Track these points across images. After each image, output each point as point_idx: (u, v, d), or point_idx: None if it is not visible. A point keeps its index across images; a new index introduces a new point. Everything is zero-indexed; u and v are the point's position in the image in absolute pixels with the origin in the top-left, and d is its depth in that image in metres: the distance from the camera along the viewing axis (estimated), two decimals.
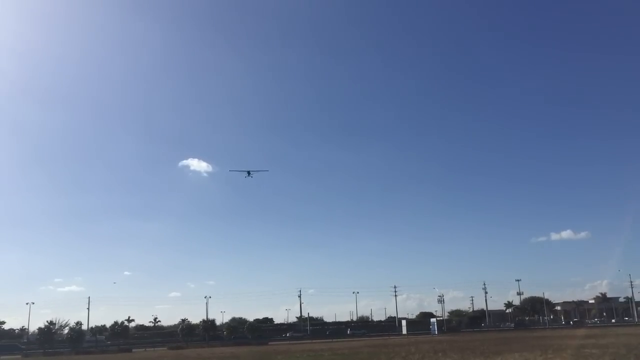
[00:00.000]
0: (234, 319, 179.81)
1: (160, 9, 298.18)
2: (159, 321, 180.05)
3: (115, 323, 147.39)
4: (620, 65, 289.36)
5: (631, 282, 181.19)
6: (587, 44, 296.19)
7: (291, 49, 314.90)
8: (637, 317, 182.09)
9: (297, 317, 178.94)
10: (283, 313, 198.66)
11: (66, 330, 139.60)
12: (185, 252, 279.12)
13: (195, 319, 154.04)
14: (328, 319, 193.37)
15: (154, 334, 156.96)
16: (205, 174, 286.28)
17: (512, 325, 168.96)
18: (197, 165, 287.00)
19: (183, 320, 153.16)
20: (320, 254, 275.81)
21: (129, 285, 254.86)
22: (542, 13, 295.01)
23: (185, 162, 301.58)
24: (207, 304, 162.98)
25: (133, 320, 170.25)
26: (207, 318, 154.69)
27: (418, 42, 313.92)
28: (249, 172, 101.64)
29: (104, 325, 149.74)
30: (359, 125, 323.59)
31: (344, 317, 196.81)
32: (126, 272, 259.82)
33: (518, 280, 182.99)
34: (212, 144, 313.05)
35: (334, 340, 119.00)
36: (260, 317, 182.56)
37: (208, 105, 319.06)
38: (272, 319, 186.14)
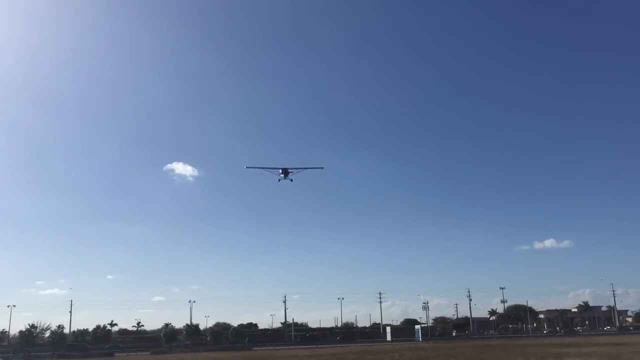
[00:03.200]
0: (218, 324, 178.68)
1: (147, 11, 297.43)
2: (142, 325, 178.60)
3: (98, 327, 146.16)
4: (603, 81, 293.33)
5: (613, 291, 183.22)
6: (572, 57, 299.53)
7: (278, 52, 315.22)
8: (619, 326, 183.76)
9: (281, 323, 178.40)
10: (267, 318, 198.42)
11: (47, 334, 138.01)
12: (169, 256, 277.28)
13: (179, 323, 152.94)
14: (313, 325, 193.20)
15: (137, 339, 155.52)
16: (190, 178, 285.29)
17: (495, 332, 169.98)
18: (182, 169, 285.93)
19: (166, 325, 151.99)
20: (305, 259, 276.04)
21: (112, 289, 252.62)
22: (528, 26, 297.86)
23: (170, 165, 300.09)
24: (191, 308, 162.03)
25: (116, 324, 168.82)
26: (190, 323, 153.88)
27: (407, 49, 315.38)
28: (285, 172, 66.26)
29: (87, 329, 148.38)
30: (346, 130, 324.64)
31: (329, 323, 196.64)
32: (109, 276, 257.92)
33: (502, 288, 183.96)
34: (197, 148, 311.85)
35: (319, 346, 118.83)
36: (245, 322, 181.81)
37: (193, 109, 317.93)
38: (256, 324, 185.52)
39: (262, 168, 68.14)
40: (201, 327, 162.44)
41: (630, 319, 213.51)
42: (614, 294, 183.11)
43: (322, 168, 70.68)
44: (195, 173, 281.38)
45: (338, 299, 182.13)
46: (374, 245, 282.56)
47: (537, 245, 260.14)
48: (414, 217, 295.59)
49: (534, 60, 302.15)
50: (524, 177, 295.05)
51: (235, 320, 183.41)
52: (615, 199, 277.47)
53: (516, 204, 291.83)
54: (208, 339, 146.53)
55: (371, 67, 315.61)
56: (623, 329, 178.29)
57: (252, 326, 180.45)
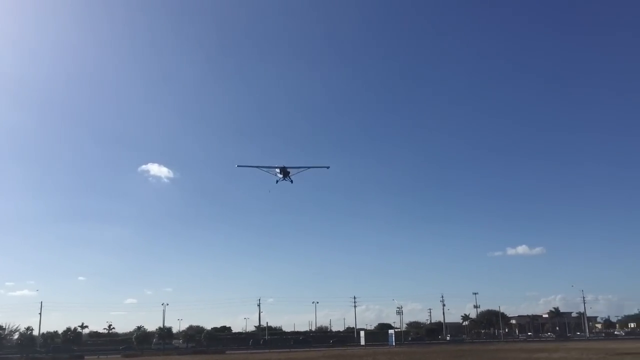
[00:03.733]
0: (191, 327, 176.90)
1: (121, 11, 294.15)
2: (114, 328, 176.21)
3: (68, 329, 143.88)
4: (575, 88, 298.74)
5: (584, 297, 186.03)
6: (552, 63, 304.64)
7: (257, 54, 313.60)
8: (589, 332, 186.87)
9: (255, 326, 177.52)
10: (242, 322, 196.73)
11: (16, 336, 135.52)
12: (143, 258, 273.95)
13: (152, 326, 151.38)
14: (287, 328, 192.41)
15: (108, 341, 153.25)
16: (165, 180, 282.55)
17: (467, 337, 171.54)
18: (158, 170, 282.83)
19: (138, 328, 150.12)
20: (280, 262, 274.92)
21: (84, 291, 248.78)
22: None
23: (145, 167, 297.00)
24: (164, 311, 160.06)
25: (87, 326, 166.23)
26: (163, 325, 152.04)
27: (385, 54, 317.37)
28: (284, 172, 59.00)
29: (56, 331, 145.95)
30: (325, 134, 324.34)
31: (303, 327, 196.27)
32: (81, 277, 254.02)
33: (475, 294, 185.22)
34: (173, 149, 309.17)
35: (292, 350, 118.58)
36: (218, 325, 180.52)
37: (170, 111, 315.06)
38: (230, 327, 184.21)
39: (257, 167, 60.65)
40: (174, 330, 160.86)
41: (599, 325, 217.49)
42: (584, 300, 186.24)
43: (328, 167, 63.12)
44: (171, 174, 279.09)
45: (312, 302, 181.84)
46: (348, 249, 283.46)
47: (510, 251, 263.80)
48: (389, 221, 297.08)
49: (514, 63, 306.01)
50: (498, 183, 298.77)
51: (208, 323, 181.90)
52: (586, 206, 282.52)
53: (490, 210, 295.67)
54: (181, 342, 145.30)
55: (349, 72, 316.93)
56: (593, 335, 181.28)
57: (225, 329, 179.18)
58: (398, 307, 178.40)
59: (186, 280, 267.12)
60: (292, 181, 60.08)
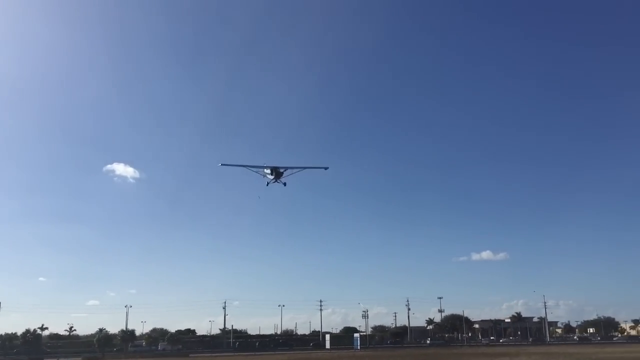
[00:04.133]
0: (155, 330, 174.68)
1: (90, 7, 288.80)
2: (75, 330, 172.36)
3: (27, 331, 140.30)
4: (537, 93, 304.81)
5: (545, 302, 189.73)
6: (520, 69, 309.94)
7: (223, 54, 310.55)
8: (549, 336, 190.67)
9: (220, 329, 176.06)
10: (206, 324, 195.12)
11: None
12: (106, 260, 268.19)
13: (114, 328, 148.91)
14: (252, 331, 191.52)
15: (69, 344, 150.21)
16: (131, 180, 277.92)
17: (431, 341, 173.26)
18: (123, 170, 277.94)
19: (100, 330, 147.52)
20: (247, 265, 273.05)
21: (44, 292, 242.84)
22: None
23: (110, 166, 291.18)
24: (127, 313, 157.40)
25: (47, 328, 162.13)
26: (126, 328, 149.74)
27: (351, 59, 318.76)
28: (276, 173, 53.39)
29: (15, 333, 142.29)
30: (291, 138, 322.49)
31: (269, 330, 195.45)
32: (41, 278, 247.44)
33: (440, 298, 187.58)
34: (140, 149, 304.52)
35: (257, 353, 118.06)
36: (183, 328, 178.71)
37: (138, 110, 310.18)
38: (194, 330, 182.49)
39: (244, 167, 54.84)
40: (137, 333, 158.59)
41: (559, 330, 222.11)
42: (545, 305, 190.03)
43: (327, 168, 57.95)
44: (137, 175, 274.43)
45: (279, 306, 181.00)
46: (315, 252, 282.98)
47: (475, 256, 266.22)
48: (356, 225, 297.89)
49: (476, 64, 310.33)
50: (464, 188, 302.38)
51: (173, 326, 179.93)
52: (548, 213, 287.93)
53: (455, 215, 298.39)
54: (144, 345, 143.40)
55: (317, 78, 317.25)
56: (553, 340, 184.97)
57: (190, 332, 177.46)
58: (364, 311, 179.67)
59: (151, 282, 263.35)
60: (285, 183, 55.33)
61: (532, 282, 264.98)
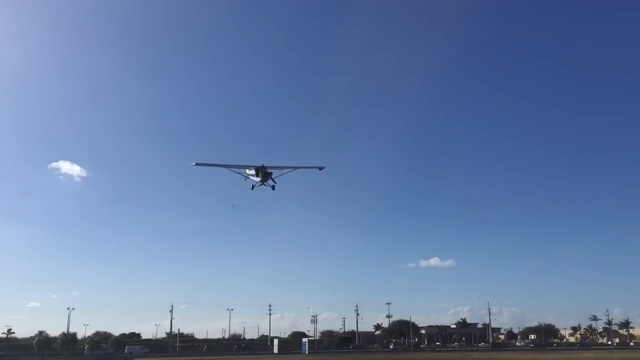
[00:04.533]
0: (97, 333, 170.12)
1: (32, 6, 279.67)
2: (13, 333, 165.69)
3: None
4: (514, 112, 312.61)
5: (489, 309, 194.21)
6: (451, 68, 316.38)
7: (180, 52, 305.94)
8: (493, 342, 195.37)
9: (167, 333, 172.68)
10: (152, 328, 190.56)
11: None
12: (49, 260, 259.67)
13: (56, 331, 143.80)
14: (200, 336, 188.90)
15: (7, 347, 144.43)
16: (77, 178, 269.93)
17: (379, 347, 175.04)
18: (69, 168, 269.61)
19: (40, 333, 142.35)
20: (195, 268, 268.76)
21: None
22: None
23: (55, 164, 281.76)
24: (69, 315, 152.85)
25: None
26: (67, 331, 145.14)
27: (311, 63, 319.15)
28: (264, 174, 47.51)
29: None
30: (241, 140, 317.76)
31: (216, 335, 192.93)
32: None
33: (388, 304, 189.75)
34: (87, 147, 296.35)
35: (204, 357, 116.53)
36: (127, 331, 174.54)
37: (86, 107, 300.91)
38: (139, 334, 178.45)
39: (223, 166, 48.33)
40: (79, 336, 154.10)
41: (502, 336, 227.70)
42: (489, 312, 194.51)
43: (322, 168, 53.03)
44: (84, 174, 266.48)
45: (227, 309, 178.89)
46: (264, 256, 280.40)
47: (423, 263, 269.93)
48: (306, 231, 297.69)
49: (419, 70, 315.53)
50: (412, 194, 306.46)
51: (117, 329, 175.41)
52: (494, 221, 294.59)
53: (405, 222, 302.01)
54: (86, 349, 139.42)
55: (270, 76, 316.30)
56: (496, 346, 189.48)
57: (134, 336, 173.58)
58: (313, 316, 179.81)
59: (95, 284, 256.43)
60: (274, 187, 49.30)
61: (478, 289, 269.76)
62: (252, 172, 48.11)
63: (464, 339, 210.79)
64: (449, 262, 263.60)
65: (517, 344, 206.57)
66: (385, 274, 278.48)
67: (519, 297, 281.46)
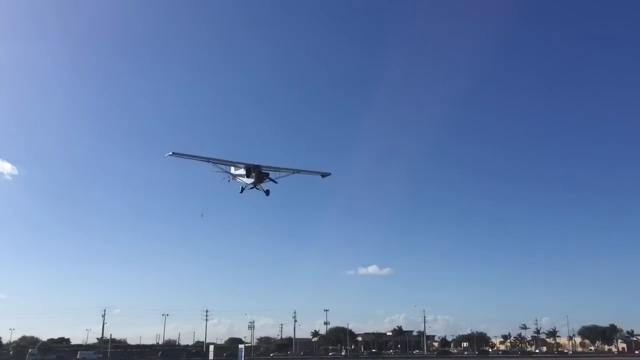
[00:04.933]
0: (24, 338, 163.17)
1: None
2: None
3: None
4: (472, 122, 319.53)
5: (424, 317, 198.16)
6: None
7: (117, 53, 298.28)
8: (427, 349, 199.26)
9: (98, 339, 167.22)
10: (82, 333, 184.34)
11: None
12: None
13: None
14: (132, 341, 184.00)
15: None
16: (8, 177, 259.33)
17: (316, 354, 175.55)
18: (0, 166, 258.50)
19: None
20: (129, 272, 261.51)
21: None
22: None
23: None
24: None
25: None
26: None
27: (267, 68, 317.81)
28: (258, 175, 41.78)
29: None
30: (178, 140, 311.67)
31: (150, 340, 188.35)
32: None
33: (326, 311, 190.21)
34: (20, 144, 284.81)
35: None
36: (56, 336, 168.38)
37: (20, 102, 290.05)
38: (69, 339, 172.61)
39: (205, 160, 41.50)
40: (4, 341, 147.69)
41: (436, 344, 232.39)
42: (424, 320, 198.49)
43: (329, 174, 46.31)
44: (15, 171, 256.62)
45: (162, 315, 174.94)
46: (203, 261, 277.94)
47: (362, 270, 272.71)
48: (246, 236, 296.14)
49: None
50: (353, 200, 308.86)
51: (45, 334, 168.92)
52: (429, 231, 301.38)
53: (345, 229, 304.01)
54: (11, 354, 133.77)
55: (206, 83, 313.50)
56: (429, 353, 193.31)
57: (63, 341, 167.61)
58: (250, 322, 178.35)
59: (22, 287, 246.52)
60: (268, 192, 43.12)
61: (414, 297, 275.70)
62: (242, 171, 42.44)
63: (399, 346, 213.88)
64: (387, 270, 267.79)
65: (450, 351, 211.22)
66: (324, 280, 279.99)
67: (454, 305, 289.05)
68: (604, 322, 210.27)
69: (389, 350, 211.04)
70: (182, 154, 41.56)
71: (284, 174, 43.62)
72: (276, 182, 43.24)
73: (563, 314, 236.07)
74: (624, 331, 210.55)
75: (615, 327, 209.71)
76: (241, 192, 43.09)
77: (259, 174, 41.38)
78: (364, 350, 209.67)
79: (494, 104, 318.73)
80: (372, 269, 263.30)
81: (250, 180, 41.78)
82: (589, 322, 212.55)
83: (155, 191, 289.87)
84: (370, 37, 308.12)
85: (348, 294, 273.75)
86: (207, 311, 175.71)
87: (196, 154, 42.51)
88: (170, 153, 40.98)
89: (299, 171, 44.57)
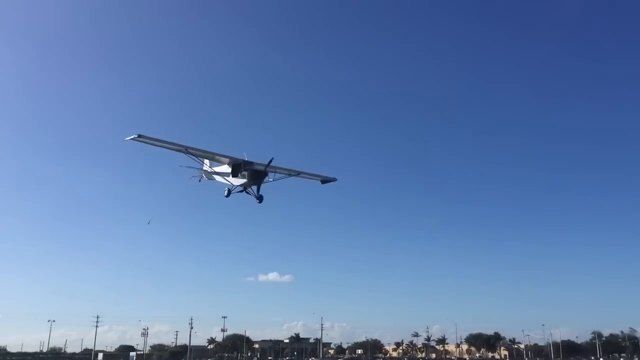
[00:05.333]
0: None
1: None
2: None
3: None
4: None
5: (322, 324, 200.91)
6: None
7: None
8: (323, 356, 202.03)
9: None
10: None
11: None
12: None
13: None
14: (13, 349, 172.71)
15: None
16: None
17: None
18: None
19: None
20: (9, 273, 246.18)
21: None
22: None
23: None
24: None
25: None
26: None
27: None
28: (252, 175, 35.66)
29: None
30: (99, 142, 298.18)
31: (34, 348, 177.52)
32: None
33: (224, 317, 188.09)
34: None
35: None
36: None
37: None
38: None
39: (178, 149, 33.98)
40: None
41: (332, 351, 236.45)
42: (322, 327, 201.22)
43: (334, 180, 41.05)
44: None
45: (48, 321, 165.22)
46: (93, 265, 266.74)
47: (262, 277, 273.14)
48: (138, 240, 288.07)
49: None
50: (255, 208, 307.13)
51: None
52: (331, 238, 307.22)
53: (245, 235, 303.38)
54: None
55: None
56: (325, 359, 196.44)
57: None
58: (144, 329, 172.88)
59: None
60: (261, 198, 36.02)
61: (313, 304, 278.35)
62: (227, 169, 35.48)
63: (295, 353, 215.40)
64: (287, 277, 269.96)
65: (345, 358, 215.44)
66: (223, 287, 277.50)
67: (350, 313, 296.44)
68: (489, 330, 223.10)
69: (285, 357, 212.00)
70: (150, 138, 34.63)
71: (278, 176, 36.87)
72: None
73: (452, 322, 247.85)
74: (507, 339, 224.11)
75: (499, 335, 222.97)
76: (227, 195, 36.40)
77: (253, 173, 34.34)
78: (260, 357, 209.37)
79: None
80: (273, 275, 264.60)
81: (239, 181, 35.08)
82: (476, 330, 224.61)
83: (43, 191, 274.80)
84: None
85: (247, 300, 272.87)
86: (97, 317, 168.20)
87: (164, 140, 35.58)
88: (136, 135, 34.55)
89: (301, 173, 38.51)
